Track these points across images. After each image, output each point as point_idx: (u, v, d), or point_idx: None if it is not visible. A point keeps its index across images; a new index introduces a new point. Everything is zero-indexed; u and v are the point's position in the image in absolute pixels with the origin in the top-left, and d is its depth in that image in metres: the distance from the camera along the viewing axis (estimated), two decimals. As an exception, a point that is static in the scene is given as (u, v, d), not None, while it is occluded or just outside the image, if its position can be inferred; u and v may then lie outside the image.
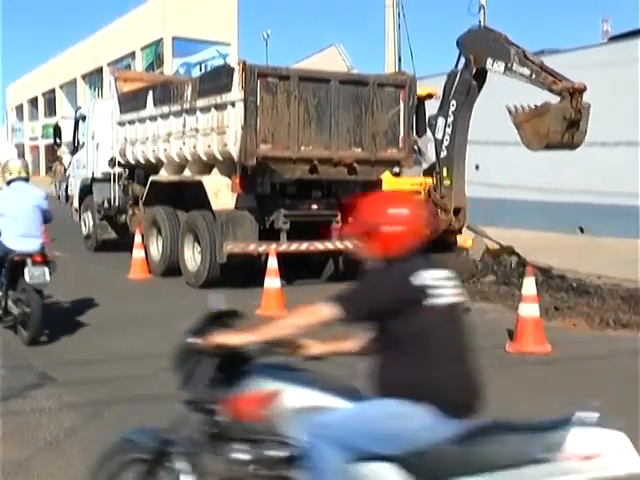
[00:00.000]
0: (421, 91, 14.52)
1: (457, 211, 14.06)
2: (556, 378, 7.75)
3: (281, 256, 11.69)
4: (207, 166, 13.37)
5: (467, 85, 13.63)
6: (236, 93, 11.90)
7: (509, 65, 12.76)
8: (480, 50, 13.28)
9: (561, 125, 11.99)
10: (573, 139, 12.18)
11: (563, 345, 8.87)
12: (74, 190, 19.64)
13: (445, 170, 14.03)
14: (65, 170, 22.28)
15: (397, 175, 14.78)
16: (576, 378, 7.77)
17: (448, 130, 13.95)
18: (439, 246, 14.63)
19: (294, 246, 12.80)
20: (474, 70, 13.56)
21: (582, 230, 20.04)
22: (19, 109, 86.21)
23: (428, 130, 14.84)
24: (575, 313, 10.71)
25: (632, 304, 11.03)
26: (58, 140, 21.00)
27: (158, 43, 54.40)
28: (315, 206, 13.18)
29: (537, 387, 7.39)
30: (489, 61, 13.10)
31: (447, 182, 14.03)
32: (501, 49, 13.01)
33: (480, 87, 13.77)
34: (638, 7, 28.88)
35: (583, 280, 13.03)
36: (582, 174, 19.77)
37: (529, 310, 8.73)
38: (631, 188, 18.27)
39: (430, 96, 15.45)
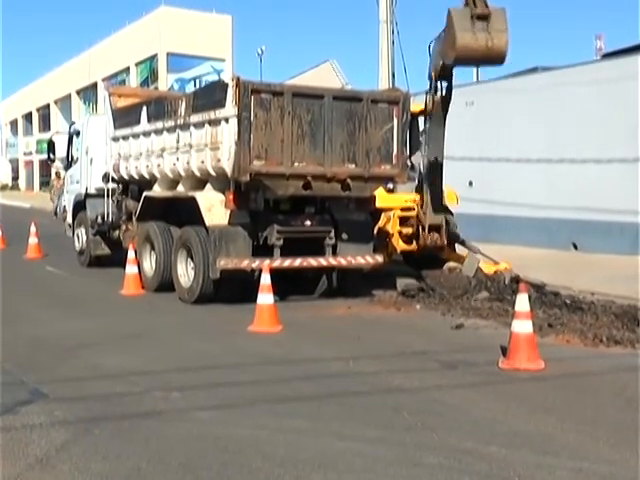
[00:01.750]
0: (415, 107, 14.55)
1: (436, 228, 14.09)
2: (549, 395, 7.73)
3: (274, 272, 11.68)
4: (200, 182, 13.37)
5: (431, 101, 13.78)
6: (230, 109, 11.91)
7: None
8: (439, 54, 13.29)
9: (470, 23, 11.93)
10: (493, 41, 11.97)
11: (556, 362, 8.85)
12: (67, 205, 19.63)
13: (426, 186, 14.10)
14: (63, 185, 22.26)
15: (391, 191, 14.80)
16: (570, 395, 7.75)
17: (426, 147, 14.05)
18: (430, 262, 14.68)
19: (287, 262, 12.79)
20: (438, 82, 13.71)
21: (576, 247, 20.05)
22: (13, 124, 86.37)
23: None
24: (568, 330, 10.69)
25: (625, 321, 11.01)
26: (52, 155, 20.97)
27: (153, 59, 54.61)
28: (308, 222, 13.18)
29: (531, 404, 7.36)
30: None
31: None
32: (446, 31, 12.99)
33: (448, 99, 13.83)
34: (638, 24, 29.17)
35: (576, 297, 13.01)
36: (575, 191, 19.82)
37: (522, 327, 8.70)
38: (624, 205, 18.32)
39: (423, 112, 15.46)
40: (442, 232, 14.13)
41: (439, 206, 14.24)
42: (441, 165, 14.30)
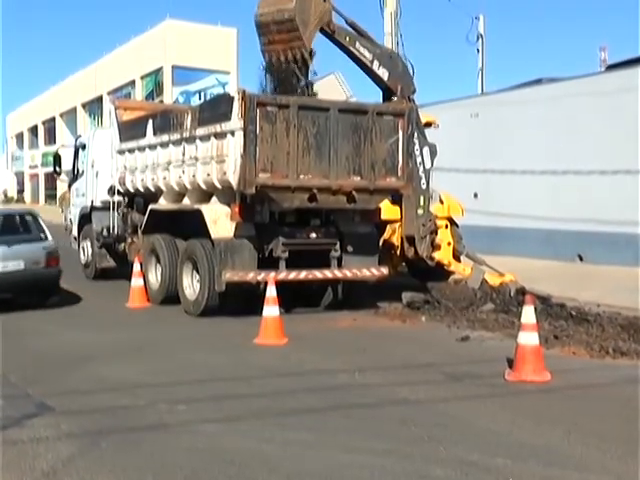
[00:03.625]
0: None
1: (411, 240, 14.12)
2: (556, 407, 7.72)
3: (280, 284, 11.68)
4: (206, 194, 13.39)
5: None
6: (235, 122, 11.94)
7: None
8: None
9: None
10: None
11: (563, 373, 8.84)
12: (73, 218, 19.67)
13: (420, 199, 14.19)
14: None
15: (396, 204, 14.78)
16: (576, 407, 7.73)
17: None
18: (435, 274, 14.68)
19: (293, 274, 12.79)
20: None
21: (581, 258, 20.02)
22: (19, 137, 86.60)
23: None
24: (574, 341, 10.68)
25: (631, 332, 11.00)
26: (58, 168, 21.03)
27: (158, 72, 54.72)
28: (314, 235, 13.18)
29: (537, 416, 7.35)
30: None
31: (420, 211, 14.11)
32: None
33: None
34: (637, 35, 29.18)
35: (582, 308, 13.00)
36: (581, 202, 19.81)
37: (528, 338, 8.70)
38: (630, 216, 18.29)
39: (429, 124, 15.49)
40: (417, 244, 14.10)
41: (412, 218, 14.22)
42: (418, 178, 14.18)
